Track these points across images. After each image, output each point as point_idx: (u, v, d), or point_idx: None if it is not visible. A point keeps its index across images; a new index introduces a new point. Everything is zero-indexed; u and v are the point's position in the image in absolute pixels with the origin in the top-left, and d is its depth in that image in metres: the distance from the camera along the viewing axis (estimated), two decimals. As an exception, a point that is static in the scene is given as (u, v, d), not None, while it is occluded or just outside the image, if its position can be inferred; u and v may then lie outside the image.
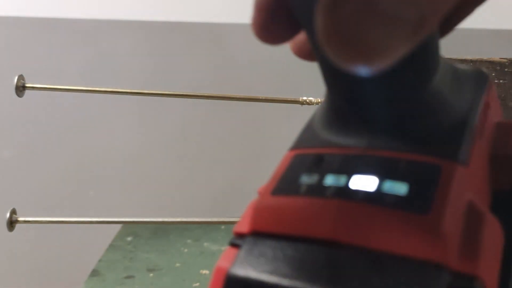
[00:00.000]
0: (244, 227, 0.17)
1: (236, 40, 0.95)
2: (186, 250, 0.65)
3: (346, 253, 0.15)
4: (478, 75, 0.21)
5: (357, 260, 0.14)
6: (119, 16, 0.94)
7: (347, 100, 0.18)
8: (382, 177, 0.16)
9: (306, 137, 0.20)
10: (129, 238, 0.69)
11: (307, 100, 0.56)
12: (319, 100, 0.55)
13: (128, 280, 0.58)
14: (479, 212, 0.15)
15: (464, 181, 0.16)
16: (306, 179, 0.17)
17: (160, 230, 0.71)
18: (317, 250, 0.15)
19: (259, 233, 0.17)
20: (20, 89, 0.54)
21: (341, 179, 0.16)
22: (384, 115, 0.17)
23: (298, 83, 0.86)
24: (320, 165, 0.17)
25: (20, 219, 0.56)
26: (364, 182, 0.16)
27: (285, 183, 0.18)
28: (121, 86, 0.58)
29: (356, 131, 0.18)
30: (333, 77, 0.18)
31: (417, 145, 0.17)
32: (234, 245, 0.17)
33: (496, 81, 0.48)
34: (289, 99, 0.56)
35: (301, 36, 0.20)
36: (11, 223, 0.56)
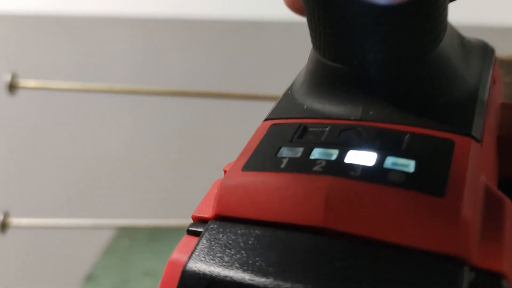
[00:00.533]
0: (205, 211, 0.14)
1: (233, 37, 0.94)
2: (183, 253, 0.64)
3: (340, 245, 0.12)
4: (484, 47, 0.18)
5: (353, 254, 0.11)
6: (113, 13, 0.93)
7: (340, 59, 0.15)
8: (383, 152, 0.13)
9: (286, 106, 0.17)
10: (125, 242, 0.68)
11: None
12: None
13: (124, 284, 0.57)
14: (499, 197, 0.13)
15: (480, 160, 0.13)
16: (287, 152, 0.14)
17: (157, 233, 0.70)
18: (302, 240, 0.12)
19: (225, 218, 0.13)
20: (13, 87, 0.52)
21: (332, 153, 0.13)
22: (385, 78, 0.15)
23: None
24: (304, 137, 0.15)
25: (13, 221, 0.54)
26: (361, 158, 0.13)
27: (260, 157, 0.14)
28: (116, 85, 0.57)
29: (349, 98, 0.15)
30: (328, 28, 0.15)
31: (422, 116, 0.14)
32: (192, 232, 0.14)
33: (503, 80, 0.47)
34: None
35: None
36: (3, 226, 0.54)
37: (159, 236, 0.69)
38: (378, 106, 0.15)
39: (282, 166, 0.14)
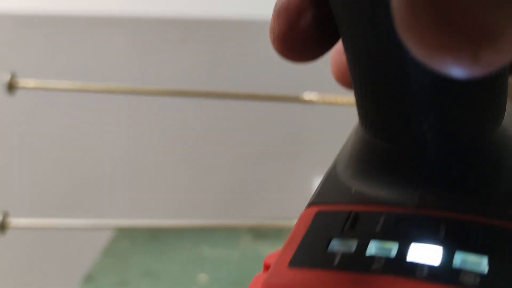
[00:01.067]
0: None
1: (232, 37, 0.94)
2: (183, 253, 0.64)
3: None
4: None
5: None
6: (113, 13, 0.93)
7: (394, 138, 0.14)
8: (449, 247, 0.12)
9: (331, 189, 0.15)
10: (124, 242, 0.68)
11: (310, 97, 0.55)
12: (324, 99, 0.54)
13: (123, 285, 0.57)
14: None
15: None
16: (339, 246, 0.13)
17: (157, 233, 0.69)
18: None
19: None
20: (12, 87, 0.52)
21: (392, 248, 0.12)
22: (443, 160, 0.13)
23: (299, 80, 0.84)
24: (356, 227, 0.13)
25: (13, 221, 0.54)
26: (425, 253, 0.12)
27: (308, 251, 0.13)
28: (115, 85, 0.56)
29: (403, 182, 0.14)
30: (381, 104, 0.13)
31: (488, 204, 0.13)
32: None
33: None
34: (290, 96, 0.54)
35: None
36: (3, 227, 0.54)
37: (158, 236, 0.69)
38: (437, 191, 0.13)
39: (335, 263, 0.12)
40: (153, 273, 0.59)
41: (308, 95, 0.54)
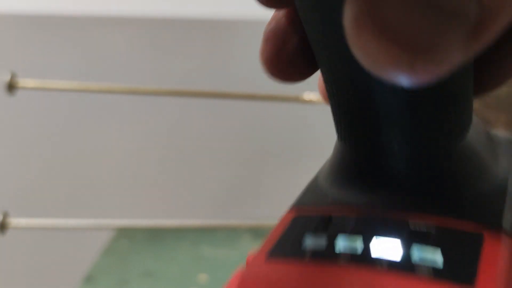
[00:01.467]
0: None
1: (231, 36, 0.94)
2: (183, 253, 0.64)
3: None
4: None
5: None
6: (114, 13, 0.93)
7: (364, 149, 0.15)
8: (409, 243, 0.13)
9: (311, 195, 0.17)
10: (124, 242, 0.68)
11: (310, 97, 0.55)
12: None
13: (123, 285, 0.57)
14: None
15: (511, 255, 0.13)
16: (311, 242, 0.14)
17: (157, 233, 0.69)
18: None
19: None
20: (12, 87, 0.52)
21: (357, 244, 0.14)
22: (410, 169, 0.15)
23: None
24: (329, 225, 0.15)
25: (13, 221, 0.54)
26: (387, 248, 0.13)
27: (284, 246, 0.14)
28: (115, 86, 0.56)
29: (373, 188, 0.15)
30: (351, 116, 0.15)
31: (448, 208, 0.14)
32: None
33: None
34: (290, 96, 0.54)
35: None
36: (3, 227, 0.54)
37: (159, 236, 0.69)
38: (402, 197, 0.15)
39: (306, 255, 0.14)
40: (153, 273, 0.59)
41: (308, 95, 0.54)
